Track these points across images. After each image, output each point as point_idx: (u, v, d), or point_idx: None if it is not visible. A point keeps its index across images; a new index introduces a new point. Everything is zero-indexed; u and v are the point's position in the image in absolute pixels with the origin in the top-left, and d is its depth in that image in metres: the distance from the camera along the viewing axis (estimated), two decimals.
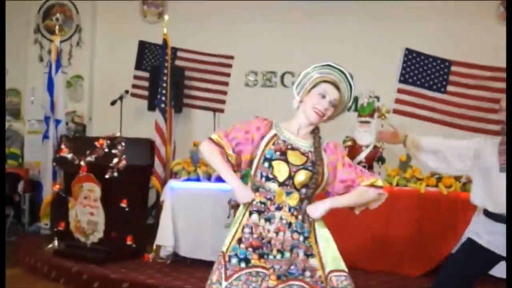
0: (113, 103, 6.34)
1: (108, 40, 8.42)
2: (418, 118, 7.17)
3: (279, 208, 2.51)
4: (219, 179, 5.19)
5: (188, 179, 5.58)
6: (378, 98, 6.76)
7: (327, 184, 2.62)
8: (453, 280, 3.35)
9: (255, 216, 2.53)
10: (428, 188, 5.25)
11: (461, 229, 4.97)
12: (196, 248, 5.41)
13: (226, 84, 7.80)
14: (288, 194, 2.52)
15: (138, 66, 8.07)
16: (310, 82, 2.63)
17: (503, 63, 6.91)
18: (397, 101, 7.18)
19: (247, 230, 2.52)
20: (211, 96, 7.79)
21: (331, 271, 2.53)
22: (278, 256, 2.48)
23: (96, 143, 5.62)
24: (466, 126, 7.12)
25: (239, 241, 2.51)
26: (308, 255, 2.53)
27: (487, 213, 3.34)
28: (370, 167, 5.81)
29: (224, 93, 7.78)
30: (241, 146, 2.60)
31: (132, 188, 5.70)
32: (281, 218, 2.50)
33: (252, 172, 2.59)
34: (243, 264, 2.48)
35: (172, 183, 5.58)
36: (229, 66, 7.79)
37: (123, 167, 5.44)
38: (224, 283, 2.45)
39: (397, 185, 5.37)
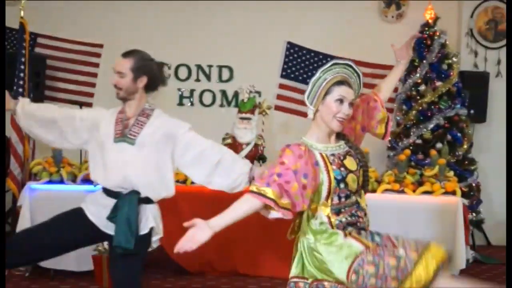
0: None
1: None
2: (299, 115, 7.39)
3: (365, 214, 2.72)
4: (87, 181, 5.06)
5: (50, 182, 5.38)
6: (259, 93, 6.95)
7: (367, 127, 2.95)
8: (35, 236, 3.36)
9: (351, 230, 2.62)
10: None
11: None
12: (59, 258, 5.22)
13: (94, 75, 7.58)
14: (360, 196, 2.72)
15: None
16: (322, 88, 2.68)
17: (383, 60, 7.39)
18: (279, 97, 7.38)
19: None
20: (77, 88, 7.53)
21: None
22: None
23: None
24: None
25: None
26: None
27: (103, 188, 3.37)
28: None
29: (93, 85, 7.55)
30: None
31: None
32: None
33: (325, 200, 2.60)
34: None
35: (31, 185, 5.35)
36: (98, 55, 7.58)
37: None
38: None
39: None
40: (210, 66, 7.54)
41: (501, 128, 7.43)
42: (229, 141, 5.92)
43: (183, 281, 5.31)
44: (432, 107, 6.57)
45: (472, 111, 6.82)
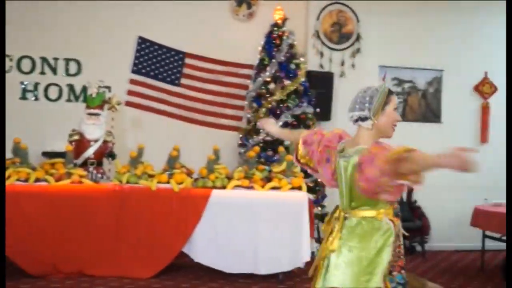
0: None
1: None
2: (152, 111, 7.43)
3: None
4: None
5: None
6: (109, 88, 6.88)
7: None
8: None
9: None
10: (160, 185, 5.53)
11: (192, 224, 5.39)
12: None
13: None
14: None
15: None
16: (382, 100, 2.88)
17: (235, 58, 7.64)
18: (130, 92, 7.34)
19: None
20: None
21: None
22: None
23: None
24: (201, 121, 7.61)
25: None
26: None
27: None
28: (99, 164, 5.88)
29: None
30: None
31: None
32: None
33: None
34: None
35: None
36: None
37: None
38: None
39: (128, 182, 5.53)
40: (56, 59, 7.30)
41: (344, 126, 7.95)
42: (76, 137, 5.82)
43: (25, 284, 5.12)
44: (281, 105, 6.85)
45: (318, 110, 7.20)
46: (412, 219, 8.09)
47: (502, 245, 6.96)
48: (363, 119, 2.89)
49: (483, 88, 8.73)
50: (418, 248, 8.15)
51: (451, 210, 8.40)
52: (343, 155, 2.92)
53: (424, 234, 8.09)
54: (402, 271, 2.94)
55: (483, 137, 8.70)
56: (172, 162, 5.82)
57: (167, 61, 7.51)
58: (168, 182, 5.57)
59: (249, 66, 7.48)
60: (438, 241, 8.37)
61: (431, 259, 7.83)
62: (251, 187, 5.66)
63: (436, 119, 8.64)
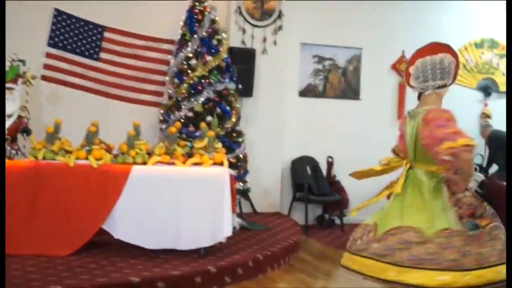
0: None
1: None
2: (69, 86, 7.20)
3: None
4: None
5: None
6: (23, 62, 6.57)
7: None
8: None
9: (460, 194, 3.37)
10: (78, 161, 5.38)
11: (111, 201, 5.30)
12: None
13: None
14: None
15: None
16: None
17: (156, 33, 7.49)
18: (46, 67, 7.08)
19: (456, 208, 3.30)
20: None
21: None
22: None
23: None
24: (121, 96, 7.45)
25: (461, 218, 3.26)
26: None
27: None
28: (13, 140, 5.66)
29: None
30: None
31: None
32: None
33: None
34: (479, 230, 3.23)
35: None
36: None
37: None
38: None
39: (44, 158, 5.35)
40: None
41: (265, 102, 8.02)
42: None
43: None
44: (203, 81, 6.78)
45: (240, 86, 7.20)
46: (332, 194, 8.28)
47: None
48: (442, 86, 3.51)
49: (400, 66, 8.98)
50: (337, 221, 8.36)
51: (368, 184, 8.59)
52: (411, 115, 3.52)
53: (343, 208, 8.30)
54: (471, 219, 3.26)
55: (400, 115, 8.98)
56: (91, 137, 5.67)
57: (85, 34, 7.27)
58: (86, 159, 5.43)
59: (171, 41, 7.37)
60: (356, 214, 8.60)
61: (349, 232, 7.97)
62: (172, 163, 5.59)
63: (355, 96, 8.85)
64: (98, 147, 5.58)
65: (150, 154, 5.69)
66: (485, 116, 9.07)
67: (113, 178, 5.37)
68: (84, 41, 7.28)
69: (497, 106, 8.78)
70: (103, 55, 7.38)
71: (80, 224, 5.27)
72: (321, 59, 8.62)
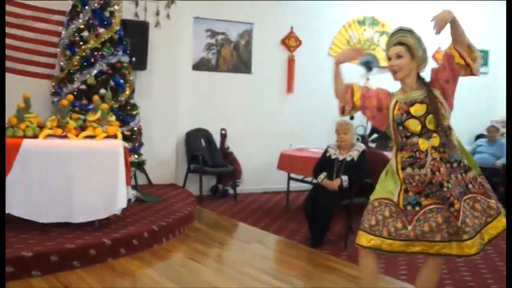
0: None
1: None
2: None
3: (426, 154, 3.23)
4: None
5: None
6: None
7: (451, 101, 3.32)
8: None
9: (408, 169, 3.28)
10: None
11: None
12: None
13: None
14: (428, 139, 3.24)
15: None
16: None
17: (46, 4, 7.14)
18: None
19: (407, 181, 3.27)
20: None
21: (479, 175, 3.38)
22: (449, 185, 3.19)
23: None
24: (10, 68, 7.06)
25: (406, 191, 3.27)
26: (466, 171, 3.30)
27: None
28: None
29: None
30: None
31: None
32: (434, 159, 3.22)
33: (392, 137, 3.35)
34: (417, 208, 3.25)
35: None
36: None
37: None
38: (409, 227, 3.23)
39: None
40: None
41: (159, 75, 7.93)
42: None
43: None
44: (96, 53, 6.56)
45: (133, 59, 7.05)
46: (225, 165, 8.36)
47: (304, 186, 7.51)
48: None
49: (289, 42, 9.16)
50: (231, 191, 8.47)
51: (260, 155, 8.82)
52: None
53: (236, 178, 8.42)
54: (416, 195, 3.29)
55: (289, 88, 9.20)
56: None
57: None
58: None
59: (61, 12, 7.03)
60: (248, 184, 8.78)
61: (242, 201, 8.20)
62: (64, 136, 5.42)
63: (247, 70, 8.93)
64: None
65: (41, 127, 5.48)
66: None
67: None
68: None
69: (378, 80, 9.18)
70: None
71: None
72: (214, 34, 8.61)
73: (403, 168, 3.31)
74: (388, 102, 3.38)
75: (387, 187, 3.36)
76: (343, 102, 3.54)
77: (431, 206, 3.25)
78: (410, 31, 3.33)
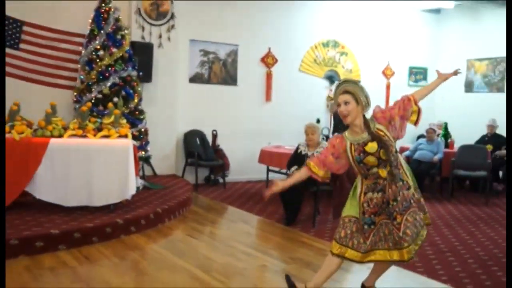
0: None
1: None
2: None
3: (385, 179, 3.18)
4: None
5: None
6: None
7: (399, 133, 3.23)
8: None
9: (369, 194, 3.23)
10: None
11: (33, 168, 5.04)
12: None
13: None
14: (384, 167, 3.17)
15: None
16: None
17: (69, 28, 7.09)
18: None
19: (365, 205, 3.23)
20: None
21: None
22: (394, 203, 3.17)
23: None
24: (40, 80, 7.02)
25: (363, 213, 3.23)
26: (408, 188, 3.25)
27: None
28: None
29: None
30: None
31: None
32: (388, 182, 3.18)
33: (356, 170, 3.30)
34: (372, 226, 3.24)
35: None
36: None
37: None
38: (367, 242, 3.22)
39: None
40: None
41: (162, 86, 7.92)
42: None
43: None
44: (110, 69, 6.55)
45: (141, 73, 7.03)
46: (216, 159, 8.36)
47: (279, 176, 7.53)
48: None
49: (268, 60, 9.18)
50: (221, 181, 8.48)
51: (244, 151, 8.83)
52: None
53: (225, 170, 8.42)
54: (372, 216, 3.24)
55: (268, 97, 9.22)
56: (13, 115, 5.32)
57: (7, 28, 6.73)
58: (10, 132, 5.10)
59: (81, 35, 7.00)
60: (235, 175, 8.78)
61: (230, 189, 8.20)
62: (84, 136, 5.40)
63: (233, 82, 8.94)
64: (19, 123, 5.26)
65: (65, 129, 5.45)
66: (330, 98, 9.52)
67: (33, 149, 5.10)
68: (6, 34, 6.73)
69: None
70: (23, 45, 6.87)
71: (7, 187, 4.95)
72: (206, 53, 8.60)
73: (365, 193, 3.25)
74: (343, 145, 3.26)
75: (355, 206, 3.31)
76: (315, 177, 3.38)
77: (381, 221, 3.23)
78: (353, 82, 3.26)
